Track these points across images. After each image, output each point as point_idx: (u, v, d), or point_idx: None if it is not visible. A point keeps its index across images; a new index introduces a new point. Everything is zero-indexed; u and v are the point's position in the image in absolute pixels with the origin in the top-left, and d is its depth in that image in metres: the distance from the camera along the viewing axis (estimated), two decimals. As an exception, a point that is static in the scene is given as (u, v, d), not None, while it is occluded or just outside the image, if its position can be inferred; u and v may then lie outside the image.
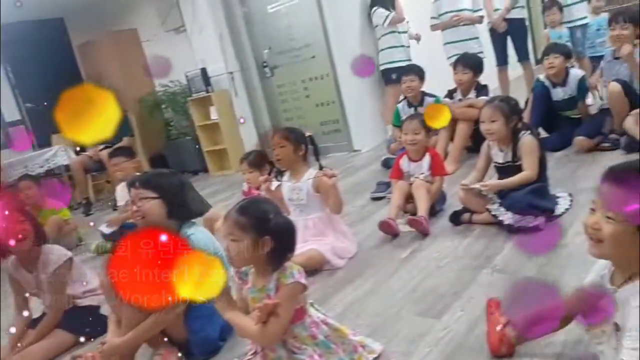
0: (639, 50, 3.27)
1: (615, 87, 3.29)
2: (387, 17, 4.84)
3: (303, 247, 2.47)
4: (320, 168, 2.66)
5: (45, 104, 6.48)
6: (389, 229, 2.71)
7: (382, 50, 5.05)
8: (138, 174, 2.48)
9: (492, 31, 4.92)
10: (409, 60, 4.94)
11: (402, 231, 2.76)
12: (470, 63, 3.88)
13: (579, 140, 3.42)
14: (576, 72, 3.64)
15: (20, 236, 2.25)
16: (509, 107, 2.59)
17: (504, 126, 2.55)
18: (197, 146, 6.22)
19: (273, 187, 2.75)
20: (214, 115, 5.94)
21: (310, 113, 5.66)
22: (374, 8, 4.96)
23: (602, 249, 1.16)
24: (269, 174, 3.10)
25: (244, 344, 1.99)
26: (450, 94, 4.06)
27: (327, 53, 5.22)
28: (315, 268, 2.48)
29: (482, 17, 4.88)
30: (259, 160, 3.22)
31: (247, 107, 6.07)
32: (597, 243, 1.16)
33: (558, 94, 3.62)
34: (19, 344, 2.28)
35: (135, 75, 6.59)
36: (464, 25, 4.80)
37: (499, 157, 2.65)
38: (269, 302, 1.46)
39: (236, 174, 5.66)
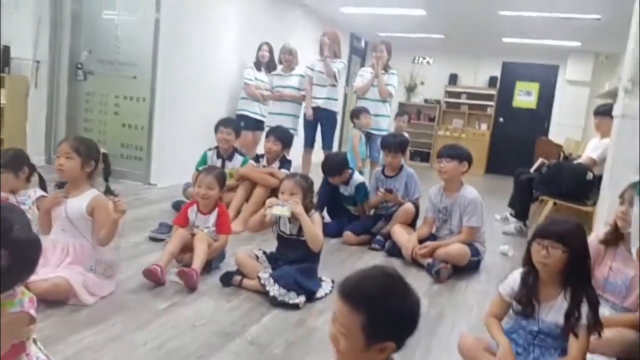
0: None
1: (410, 206, 3.80)
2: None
3: (53, 272, 2.22)
4: (108, 191, 2.46)
5: None
6: (154, 278, 2.58)
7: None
8: None
9: (305, 116, 5.35)
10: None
11: (170, 280, 2.66)
12: (282, 136, 4.10)
13: (347, 234, 3.84)
14: (357, 178, 4.05)
15: None
16: (307, 185, 2.78)
17: (301, 199, 2.71)
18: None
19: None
20: (2, 99, 5.17)
21: (114, 131, 5.30)
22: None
23: (340, 359, 1.21)
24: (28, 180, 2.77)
25: None
26: (257, 158, 4.20)
27: (151, 79, 5.03)
28: (58, 299, 2.22)
29: (304, 96, 5.30)
30: (16, 162, 2.74)
31: (44, 102, 5.44)
32: (337, 353, 1.21)
33: (342, 189, 4.01)
34: None
35: None
36: (288, 101, 5.24)
37: (287, 228, 2.78)
38: None
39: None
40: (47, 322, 2.07)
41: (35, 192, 2.74)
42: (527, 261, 1.89)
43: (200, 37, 5.33)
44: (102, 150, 2.53)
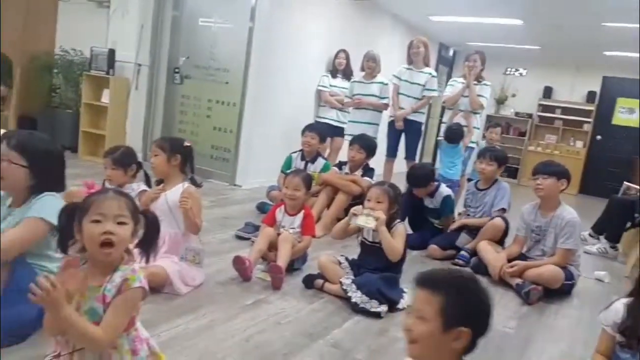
0: None
1: (499, 222, 3.60)
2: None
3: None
4: (192, 181, 2.59)
5: None
6: (241, 267, 2.67)
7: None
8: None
9: (391, 124, 5.28)
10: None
11: (255, 277, 2.74)
12: (366, 145, 4.10)
13: (432, 247, 3.74)
14: (444, 190, 3.92)
15: None
16: (394, 194, 2.76)
17: (386, 208, 2.69)
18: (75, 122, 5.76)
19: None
20: (105, 98, 5.58)
21: (205, 133, 5.54)
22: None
23: (414, 349, 1.23)
24: (134, 176, 2.96)
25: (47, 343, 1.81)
26: (340, 165, 4.23)
27: (242, 85, 5.21)
28: (155, 287, 2.32)
29: (386, 104, 5.23)
30: (124, 159, 2.92)
31: (143, 103, 5.80)
32: (410, 344, 1.23)
33: (427, 201, 3.92)
34: None
35: (39, 30, 6.06)
36: (367, 109, 5.18)
37: (370, 235, 2.76)
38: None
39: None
40: (143, 308, 2.16)
41: (138, 185, 2.92)
42: (637, 292, 1.77)
43: (289, 45, 5.46)
44: (186, 143, 2.65)
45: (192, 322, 2.17)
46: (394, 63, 5.83)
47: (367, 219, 2.64)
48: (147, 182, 3.03)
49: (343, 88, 5.70)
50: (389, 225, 2.71)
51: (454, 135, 4.78)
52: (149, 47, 5.71)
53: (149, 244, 1.49)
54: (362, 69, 5.43)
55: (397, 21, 7.65)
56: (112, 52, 5.53)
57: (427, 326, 1.19)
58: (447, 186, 4.04)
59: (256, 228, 3.51)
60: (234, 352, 1.98)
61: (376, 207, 2.69)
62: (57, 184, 1.88)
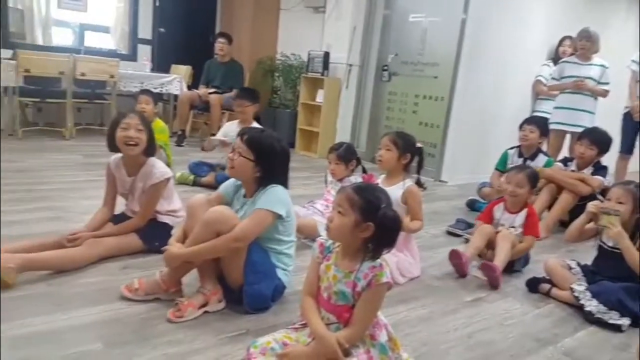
0: None
1: None
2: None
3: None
4: (418, 183, 2.59)
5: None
6: (458, 262, 2.60)
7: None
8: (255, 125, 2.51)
9: (627, 116, 4.61)
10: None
11: (471, 275, 2.64)
12: (598, 140, 3.62)
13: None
14: None
15: (133, 142, 2.36)
16: None
17: (629, 212, 2.36)
18: (293, 121, 6.30)
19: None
20: (319, 98, 5.98)
21: (411, 129, 5.52)
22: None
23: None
24: (353, 170, 3.10)
25: (289, 311, 2.03)
26: (565, 162, 3.83)
27: (451, 78, 5.10)
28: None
29: (607, 91, 4.58)
30: (347, 154, 3.13)
31: (352, 101, 6.07)
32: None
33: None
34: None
35: (263, 37, 6.80)
36: (582, 94, 4.59)
37: (610, 240, 2.45)
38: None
39: (318, 159, 5.70)
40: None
41: (355, 178, 3.05)
42: None
43: (505, 35, 5.15)
44: (418, 144, 2.65)
45: (412, 311, 2.18)
46: (629, 48, 5.10)
47: (612, 218, 2.33)
48: (364, 173, 3.16)
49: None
50: (633, 232, 2.36)
51: None
52: (359, 48, 5.95)
53: (386, 240, 1.49)
54: (575, 50, 4.86)
55: (633, 1, 6.66)
56: (326, 55, 5.90)
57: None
58: None
59: (468, 225, 3.40)
60: (457, 346, 1.93)
61: (617, 209, 2.36)
62: (281, 178, 2.04)
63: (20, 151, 4.61)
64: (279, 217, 1.96)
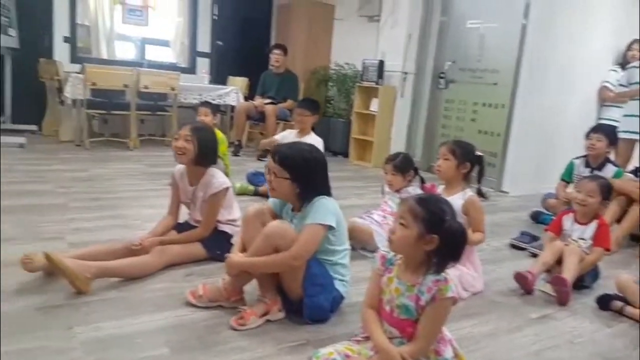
0: None
1: None
2: None
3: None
4: (479, 192, 2.51)
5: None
6: (524, 282, 2.49)
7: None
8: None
9: None
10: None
11: (538, 290, 2.53)
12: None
13: None
14: None
15: (180, 152, 2.44)
16: None
17: None
18: (347, 130, 6.30)
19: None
20: (374, 107, 5.96)
21: (470, 137, 5.37)
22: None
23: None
24: (411, 181, 3.05)
25: (348, 322, 2.02)
26: (636, 172, 3.64)
27: (512, 85, 4.95)
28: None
29: None
30: (404, 165, 3.07)
31: (408, 110, 6.00)
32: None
33: None
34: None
35: (317, 48, 6.86)
36: None
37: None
38: None
39: (372, 169, 5.66)
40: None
41: (414, 189, 3.00)
42: None
43: (568, 39, 4.96)
44: (478, 153, 2.58)
45: (476, 327, 2.11)
46: None
47: None
48: (422, 185, 3.10)
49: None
50: None
51: None
52: (415, 55, 5.89)
53: (452, 253, 1.45)
54: None
55: None
56: (381, 63, 5.87)
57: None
58: None
59: (533, 238, 3.27)
60: (525, 365, 1.85)
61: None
62: (322, 188, 2.01)
63: (88, 161, 4.84)
64: (330, 228, 1.95)
